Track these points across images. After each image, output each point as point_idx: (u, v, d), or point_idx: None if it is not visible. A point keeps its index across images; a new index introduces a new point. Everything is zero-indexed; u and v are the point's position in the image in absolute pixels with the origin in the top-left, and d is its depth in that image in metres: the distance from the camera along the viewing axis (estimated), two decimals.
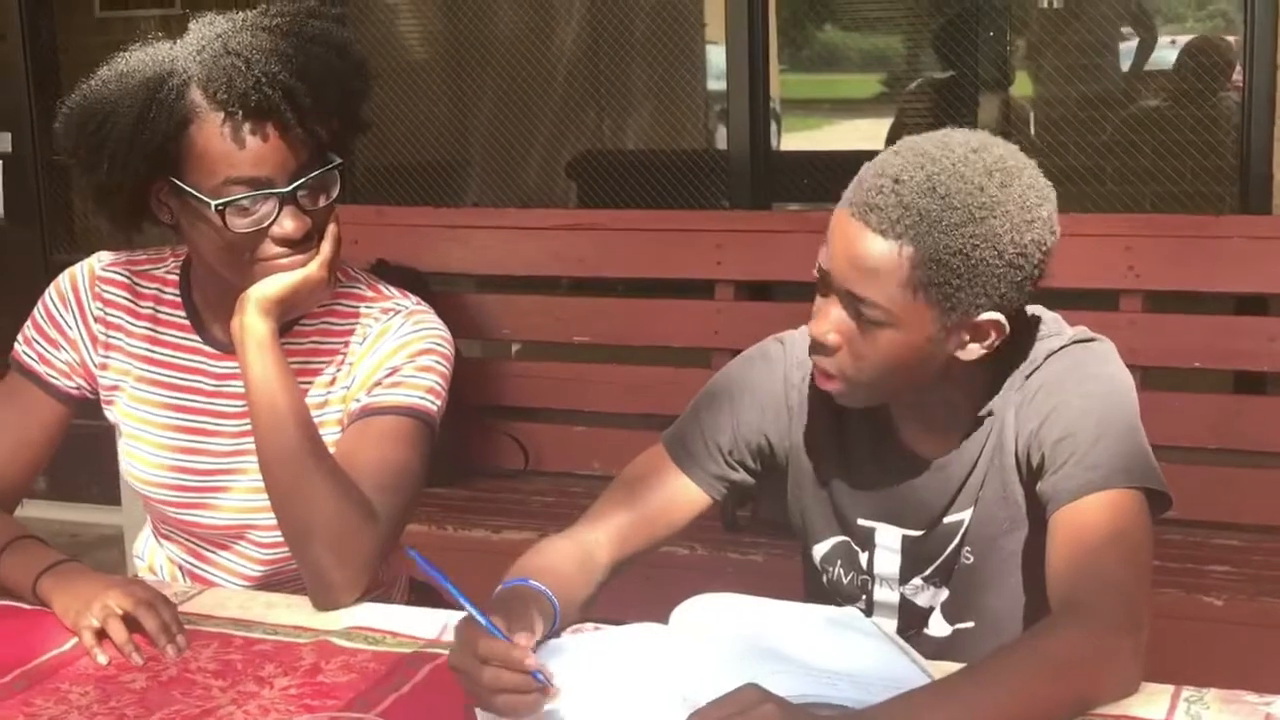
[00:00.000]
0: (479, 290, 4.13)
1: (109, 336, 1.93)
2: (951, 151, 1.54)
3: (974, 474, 1.68)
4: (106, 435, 2.59)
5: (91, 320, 1.93)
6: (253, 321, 1.78)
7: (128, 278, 1.94)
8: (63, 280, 1.95)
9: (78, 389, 1.95)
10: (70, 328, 1.93)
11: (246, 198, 1.72)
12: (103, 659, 1.66)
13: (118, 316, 1.93)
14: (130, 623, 1.69)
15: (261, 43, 1.74)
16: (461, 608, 1.47)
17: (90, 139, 1.75)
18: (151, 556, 2.07)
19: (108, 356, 1.94)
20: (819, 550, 1.81)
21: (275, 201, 1.73)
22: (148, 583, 1.90)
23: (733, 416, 1.79)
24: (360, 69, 1.82)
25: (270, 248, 1.76)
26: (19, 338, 1.96)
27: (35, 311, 1.96)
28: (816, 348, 1.63)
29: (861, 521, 1.76)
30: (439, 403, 1.87)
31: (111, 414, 1.97)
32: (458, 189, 4.65)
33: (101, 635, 1.68)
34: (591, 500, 1.84)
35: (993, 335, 1.59)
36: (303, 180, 1.74)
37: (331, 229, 1.81)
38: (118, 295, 1.93)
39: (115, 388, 1.94)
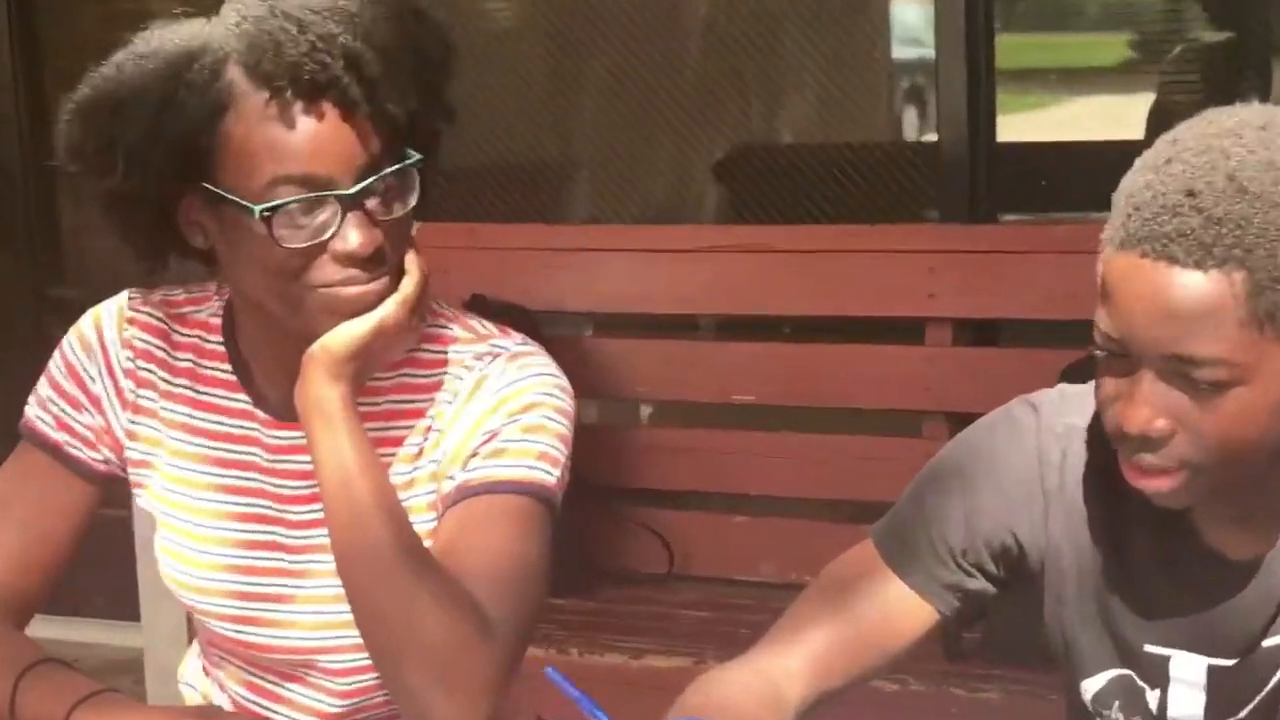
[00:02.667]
0: (602, 333, 4.18)
1: (139, 396, 1.97)
2: (1239, 137, 1.55)
3: None
4: (114, 527, 2.63)
5: (119, 373, 1.97)
6: (319, 390, 1.80)
7: (163, 322, 1.98)
8: (85, 324, 2.00)
9: (105, 463, 1.99)
10: (94, 382, 1.97)
11: (299, 201, 1.75)
12: None
13: (149, 371, 1.97)
14: None
15: (317, 2, 1.77)
16: None
17: (100, 134, 1.79)
18: (205, 686, 2.10)
19: (137, 422, 1.98)
20: (1090, 687, 1.79)
21: (336, 208, 1.75)
22: (224, 711, 1.96)
23: (968, 506, 1.79)
24: (440, 35, 1.85)
25: (329, 270, 1.78)
26: (30, 399, 2.00)
27: (51, 364, 2.00)
28: (1141, 444, 1.60)
29: (1150, 648, 1.74)
30: (557, 472, 1.88)
31: (143, 499, 2.00)
32: (566, 199, 4.71)
33: None
34: (761, 616, 1.86)
35: None
36: (371, 180, 1.77)
37: (415, 258, 1.84)
38: (150, 343, 1.97)
39: (145, 464, 1.98)
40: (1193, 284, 1.53)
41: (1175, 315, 1.54)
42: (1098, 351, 1.62)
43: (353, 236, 1.76)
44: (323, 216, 1.76)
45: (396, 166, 1.80)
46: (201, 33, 1.80)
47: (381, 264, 1.80)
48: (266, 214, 1.75)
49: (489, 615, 1.77)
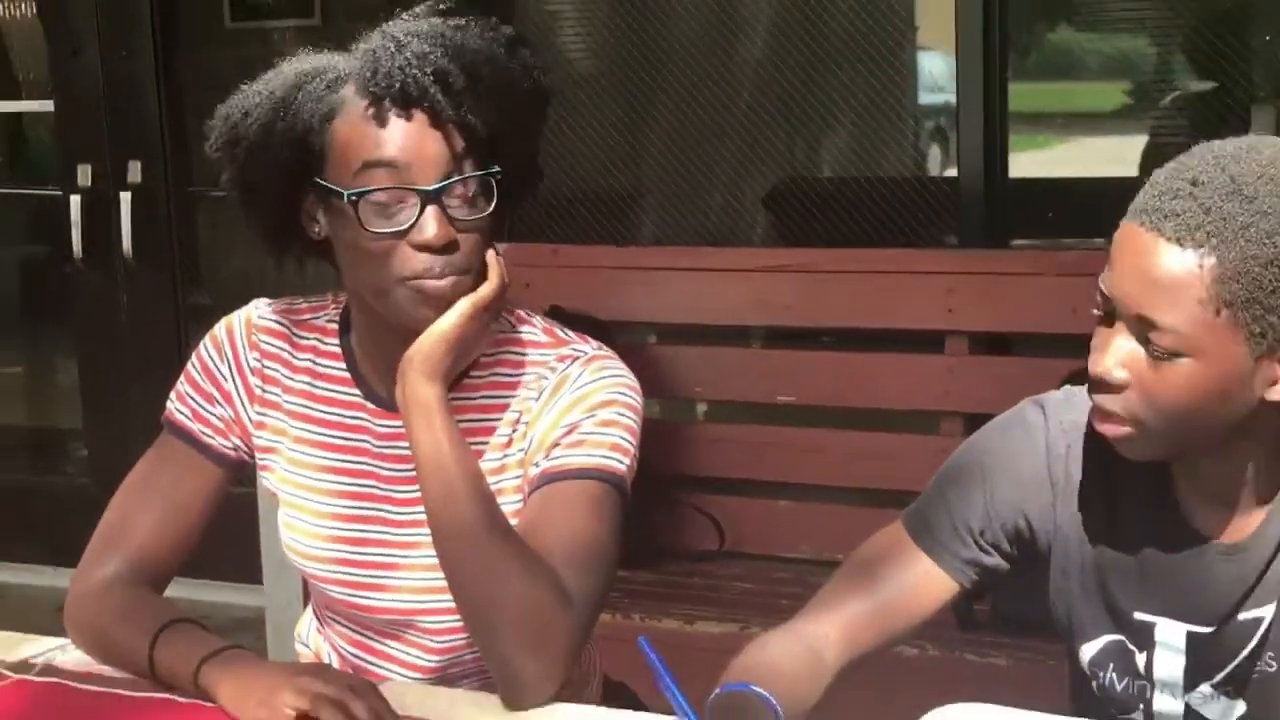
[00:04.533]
0: (664, 341, 4.18)
1: (265, 391, 2.02)
2: (1258, 154, 1.58)
3: (1277, 562, 1.67)
4: (242, 503, 2.67)
5: (248, 372, 2.01)
6: (416, 388, 1.83)
7: (286, 327, 2.03)
8: (219, 329, 2.05)
9: (235, 450, 2.03)
10: (226, 380, 2.02)
11: (384, 189, 1.79)
12: None
13: (274, 369, 2.01)
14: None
15: (421, 29, 1.85)
16: (677, 714, 1.51)
17: (233, 129, 1.87)
18: (317, 643, 2.14)
19: (264, 414, 2.02)
20: (1088, 651, 1.81)
21: (417, 203, 1.80)
22: (333, 668, 1.97)
23: (985, 493, 1.81)
24: (528, 67, 1.89)
25: (411, 260, 1.81)
26: (172, 395, 2.05)
27: (189, 364, 2.05)
28: (1099, 385, 1.64)
29: (1139, 615, 1.76)
30: (628, 461, 1.91)
31: (268, 480, 2.05)
32: (634, 224, 4.71)
33: None
34: (800, 589, 1.87)
35: None
36: (451, 180, 1.81)
37: (496, 264, 1.86)
38: (275, 345, 2.02)
39: (271, 450, 2.03)
40: (1170, 257, 1.56)
41: (1150, 280, 1.57)
42: (1095, 310, 1.65)
43: (429, 227, 1.80)
44: (405, 210, 1.80)
45: (476, 174, 1.83)
46: (332, 59, 1.88)
47: (453, 253, 1.82)
48: (354, 198, 1.80)
49: (567, 586, 1.80)
